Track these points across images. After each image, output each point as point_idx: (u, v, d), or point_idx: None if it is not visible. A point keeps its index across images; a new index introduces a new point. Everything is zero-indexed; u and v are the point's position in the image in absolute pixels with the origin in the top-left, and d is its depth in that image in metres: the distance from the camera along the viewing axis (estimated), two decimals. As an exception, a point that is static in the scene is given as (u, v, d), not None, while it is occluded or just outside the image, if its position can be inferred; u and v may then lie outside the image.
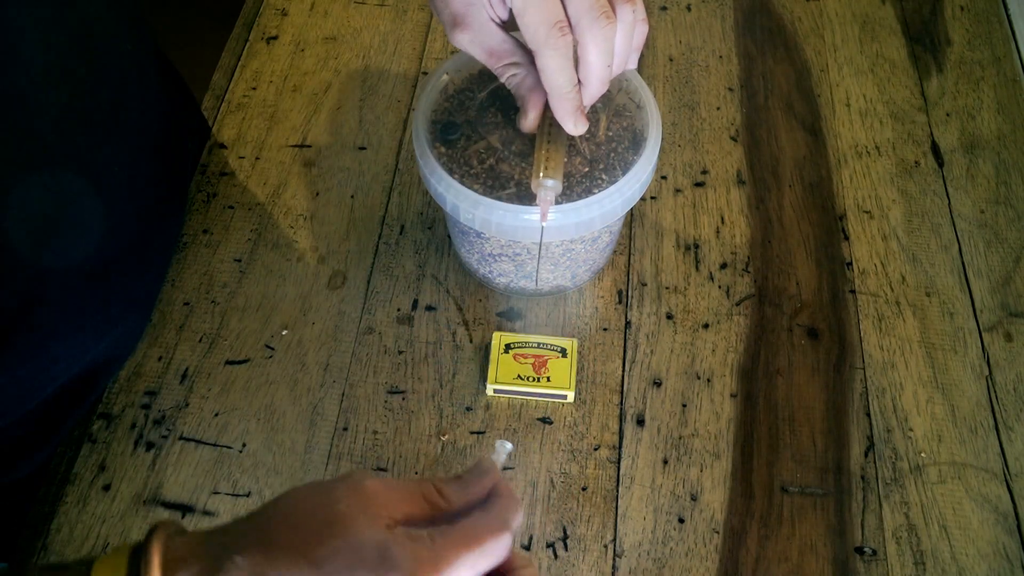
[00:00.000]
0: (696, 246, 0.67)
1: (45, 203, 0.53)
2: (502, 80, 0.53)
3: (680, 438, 0.59)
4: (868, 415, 0.60)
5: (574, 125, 0.52)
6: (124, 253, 0.61)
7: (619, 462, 0.58)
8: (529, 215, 0.54)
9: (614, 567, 0.54)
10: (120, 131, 0.57)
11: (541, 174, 0.52)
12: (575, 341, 0.61)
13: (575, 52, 0.49)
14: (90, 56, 0.54)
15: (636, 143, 0.58)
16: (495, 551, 0.39)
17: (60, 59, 0.51)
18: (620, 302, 0.65)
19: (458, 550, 0.37)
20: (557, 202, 0.54)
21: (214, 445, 0.59)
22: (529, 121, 0.54)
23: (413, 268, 0.66)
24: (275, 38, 0.80)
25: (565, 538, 0.55)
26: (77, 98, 0.53)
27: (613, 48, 0.49)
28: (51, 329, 0.57)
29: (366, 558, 0.36)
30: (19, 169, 0.51)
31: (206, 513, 0.56)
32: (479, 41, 0.52)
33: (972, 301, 0.65)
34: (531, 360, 0.60)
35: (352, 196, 0.70)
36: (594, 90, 0.51)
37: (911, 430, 0.59)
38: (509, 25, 0.51)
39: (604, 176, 0.56)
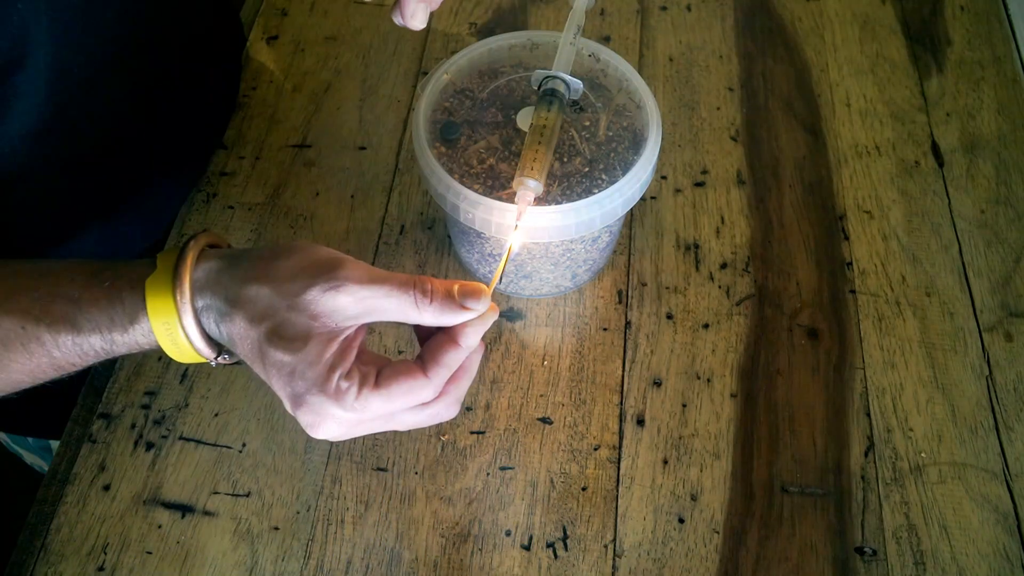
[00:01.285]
0: (696, 246, 0.67)
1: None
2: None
3: (680, 438, 0.59)
4: (868, 415, 0.60)
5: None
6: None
7: (619, 462, 0.58)
8: (528, 216, 0.54)
9: (614, 567, 0.54)
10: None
11: (525, 173, 0.52)
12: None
13: None
14: None
15: (636, 143, 0.58)
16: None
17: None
18: (620, 302, 0.65)
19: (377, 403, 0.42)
20: (557, 202, 0.54)
21: (214, 445, 0.59)
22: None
23: (413, 268, 0.66)
24: (275, 38, 0.80)
25: (565, 538, 0.55)
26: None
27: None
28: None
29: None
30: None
31: (206, 513, 0.56)
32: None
33: (972, 301, 0.65)
34: None
35: (352, 196, 0.70)
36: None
37: (911, 430, 0.59)
38: None
39: (604, 176, 0.56)
